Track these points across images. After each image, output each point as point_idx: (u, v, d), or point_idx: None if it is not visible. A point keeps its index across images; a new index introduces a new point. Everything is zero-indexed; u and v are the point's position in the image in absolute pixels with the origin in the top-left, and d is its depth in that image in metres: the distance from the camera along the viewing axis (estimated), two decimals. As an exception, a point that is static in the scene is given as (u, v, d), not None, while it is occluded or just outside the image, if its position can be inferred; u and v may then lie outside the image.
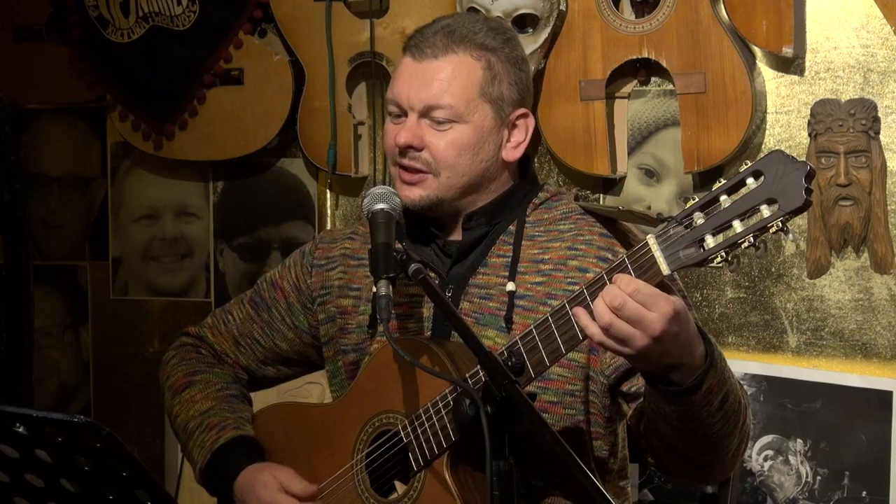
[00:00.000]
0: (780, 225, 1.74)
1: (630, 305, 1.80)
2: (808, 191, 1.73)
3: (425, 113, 2.14)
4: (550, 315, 1.92)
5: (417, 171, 2.15)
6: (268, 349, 2.39)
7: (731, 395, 1.96)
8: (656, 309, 1.81)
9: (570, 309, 1.89)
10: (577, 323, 1.88)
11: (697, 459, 2.04)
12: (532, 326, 1.94)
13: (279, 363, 2.40)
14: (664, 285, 1.85)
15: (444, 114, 2.13)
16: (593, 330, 1.84)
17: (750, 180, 1.76)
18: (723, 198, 1.78)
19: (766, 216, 1.74)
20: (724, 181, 1.79)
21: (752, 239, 1.76)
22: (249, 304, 2.41)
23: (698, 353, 1.89)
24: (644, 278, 1.83)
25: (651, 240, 1.83)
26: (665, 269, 1.82)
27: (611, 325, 1.82)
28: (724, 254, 1.78)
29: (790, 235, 1.77)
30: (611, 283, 1.84)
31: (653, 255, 1.83)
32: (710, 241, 1.78)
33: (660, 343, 1.82)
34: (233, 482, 2.20)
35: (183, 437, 2.31)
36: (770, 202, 1.74)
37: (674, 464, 2.08)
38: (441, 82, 2.14)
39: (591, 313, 1.85)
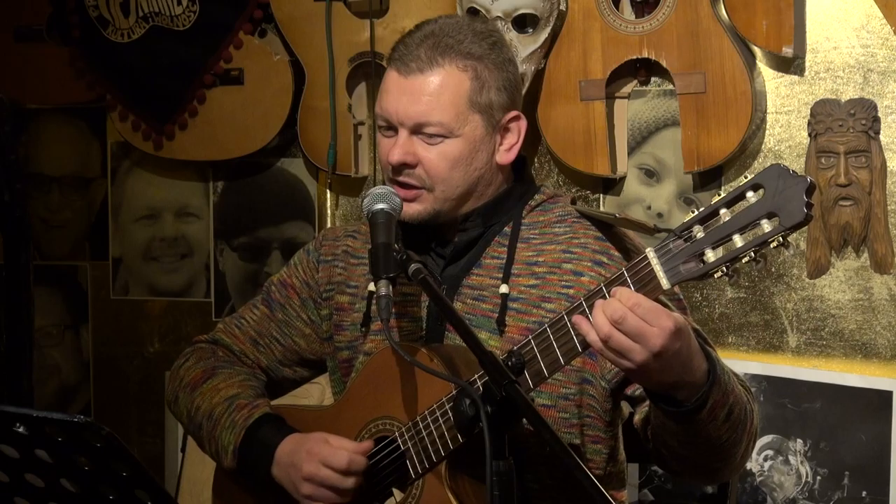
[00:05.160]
0: (781, 240, 1.73)
1: (631, 319, 1.79)
2: (809, 205, 1.72)
3: (416, 130, 2.12)
4: (549, 326, 1.91)
5: (412, 187, 2.14)
6: (287, 347, 2.36)
7: (736, 406, 1.94)
8: (657, 324, 1.79)
9: (569, 319, 1.88)
10: (577, 331, 1.87)
11: (707, 467, 2.04)
12: (531, 337, 1.93)
13: (297, 364, 2.38)
14: (660, 299, 1.85)
15: (434, 130, 2.11)
16: (593, 338, 1.83)
17: (750, 194, 1.75)
18: (722, 211, 1.77)
19: (766, 231, 1.73)
20: (723, 194, 1.78)
21: (752, 253, 1.75)
22: (263, 305, 2.38)
23: (700, 370, 1.87)
24: (643, 292, 1.82)
25: (650, 253, 1.82)
26: (665, 283, 1.81)
27: (610, 338, 1.81)
28: (724, 268, 1.77)
29: (790, 250, 1.76)
30: (609, 296, 1.83)
31: (652, 269, 1.81)
32: (710, 256, 1.77)
33: (659, 359, 1.81)
34: (273, 454, 2.14)
35: (208, 426, 2.24)
36: (770, 216, 1.73)
37: (682, 469, 2.08)
38: (429, 98, 2.11)
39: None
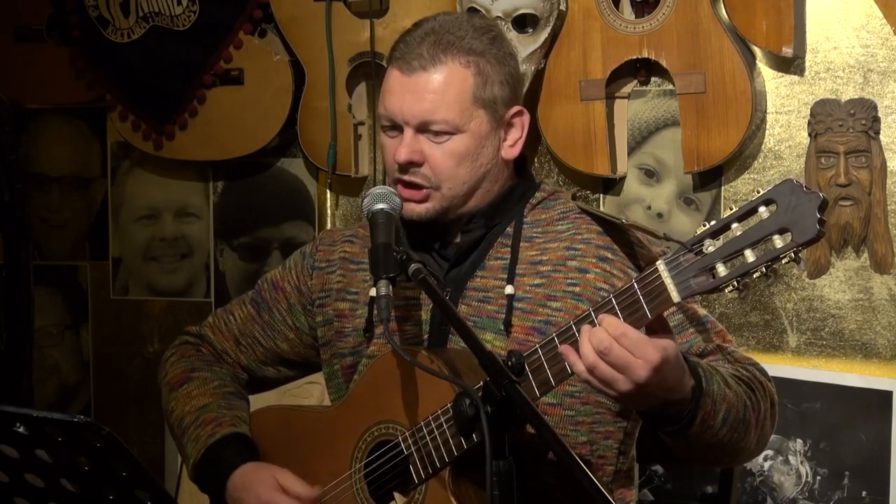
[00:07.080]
0: (793, 255, 1.73)
1: (616, 351, 1.80)
2: (822, 222, 1.71)
3: (421, 128, 2.13)
4: (556, 335, 1.92)
5: (419, 187, 2.14)
6: (268, 349, 2.38)
7: (732, 410, 1.94)
8: (642, 356, 1.80)
9: (577, 329, 1.88)
10: (566, 360, 1.88)
11: (717, 461, 2.05)
12: (538, 346, 1.93)
13: (279, 364, 2.40)
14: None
15: (440, 127, 2.12)
16: (579, 368, 1.84)
17: (762, 209, 1.75)
18: (734, 225, 1.77)
19: (778, 247, 1.73)
20: (735, 208, 1.78)
21: (763, 269, 1.75)
22: (251, 304, 2.40)
23: (688, 388, 1.88)
24: (653, 305, 1.83)
25: (661, 266, 1.82)
26: (675, 296, 1.81)
27: (595, 367, 1.82)
28: (735, 283, 1.77)
29: (801, 265, 1.76)
30: (598, 323, 1.83)
31: (663, 282, 1.82)
32: (721, 270, 1.77)
33: (644, 388, 1.82)
34: (226, 479, 2.18)
35: (178, 432, 2.30)
36: (782, 232, 1.73)
37: (694, 464, 2.08)
38: (433, 96, 2.11)
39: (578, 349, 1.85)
